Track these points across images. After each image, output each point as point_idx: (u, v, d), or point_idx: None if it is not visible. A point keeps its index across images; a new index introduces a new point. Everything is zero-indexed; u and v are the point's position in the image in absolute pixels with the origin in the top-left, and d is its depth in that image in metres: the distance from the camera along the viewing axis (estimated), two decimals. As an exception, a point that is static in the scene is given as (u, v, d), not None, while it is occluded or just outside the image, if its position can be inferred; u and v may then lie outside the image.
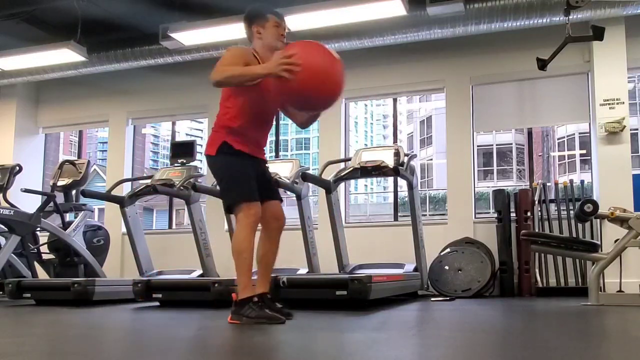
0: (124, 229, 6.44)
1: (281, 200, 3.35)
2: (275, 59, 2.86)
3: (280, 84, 2.87)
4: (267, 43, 3.19)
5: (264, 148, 3.36)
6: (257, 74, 2.95)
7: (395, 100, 7.32)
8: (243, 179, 3.09)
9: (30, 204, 6.06)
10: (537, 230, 5.63)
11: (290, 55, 2.82)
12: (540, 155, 22.56)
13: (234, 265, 3.06)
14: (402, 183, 5.84)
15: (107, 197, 6.08)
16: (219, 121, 3.17)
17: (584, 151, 21.32)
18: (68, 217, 6.29)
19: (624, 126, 5.53)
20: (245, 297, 2.99)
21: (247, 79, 2.98)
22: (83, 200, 6.41)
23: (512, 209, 5.92)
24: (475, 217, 6.28)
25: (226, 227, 6.02)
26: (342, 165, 5.83)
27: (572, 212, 5.75)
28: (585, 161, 21.13)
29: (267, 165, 3.38)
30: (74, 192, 6.38)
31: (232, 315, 3.01)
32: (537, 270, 5.61)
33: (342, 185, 6.05)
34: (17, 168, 5.98)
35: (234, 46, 3.31)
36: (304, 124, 3.37)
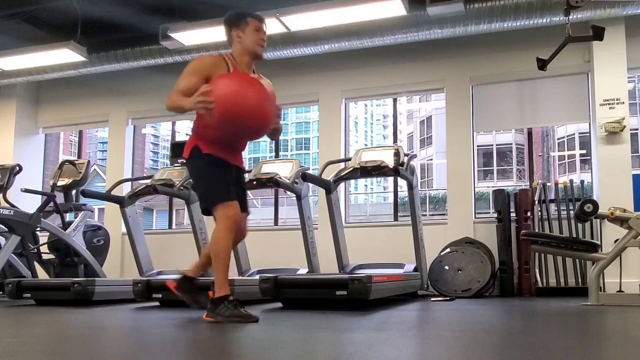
0: (124, 229, 6.45)
1: (248, 213, 3.37)
2: (195, 94, 2.93)
3: (204, 117, 2.97)
4: (247, 47, 3.18)
5: (241, 154, 3.35)
6: (184, 108, 3.03)
7: (395, 100, 7.33)
8: (217, 180, 3.10)
9: (30, 204, 6.06)
10: (537, 230, 5.63)
11: (205, 92, 2.89)
12: (540, 155, 22.58)
13: (212, 263, 3.12)
14: (402, 183, 5.84)
15: (107, 197, 6.08)
16: (193, 126, 3.23)
17: (584, 151, 21.35)
18: (68, 217, 6.28)
19: (624, 126, 5.54)
20: (221, 295, 3.03)
21: (181, 111, 3.09)
22: (83, 200, 6.41)
23: (512, 209, 5.93)
24: (475, 217, 6.28)
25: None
26: (342, 165, 5.83)
27: (572, 212, 5.75)
28: (585, 161, 21.14)
29: (243, 173, 3.40)
30: (74, 192, 6.39)
31: (208, 312, 3.06)
32: (537, 270, 5.62)
33: (342, 185, 6.05)
34: (17, 168, 5.98)
35: (197, 57, 3.34)
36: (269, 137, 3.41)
